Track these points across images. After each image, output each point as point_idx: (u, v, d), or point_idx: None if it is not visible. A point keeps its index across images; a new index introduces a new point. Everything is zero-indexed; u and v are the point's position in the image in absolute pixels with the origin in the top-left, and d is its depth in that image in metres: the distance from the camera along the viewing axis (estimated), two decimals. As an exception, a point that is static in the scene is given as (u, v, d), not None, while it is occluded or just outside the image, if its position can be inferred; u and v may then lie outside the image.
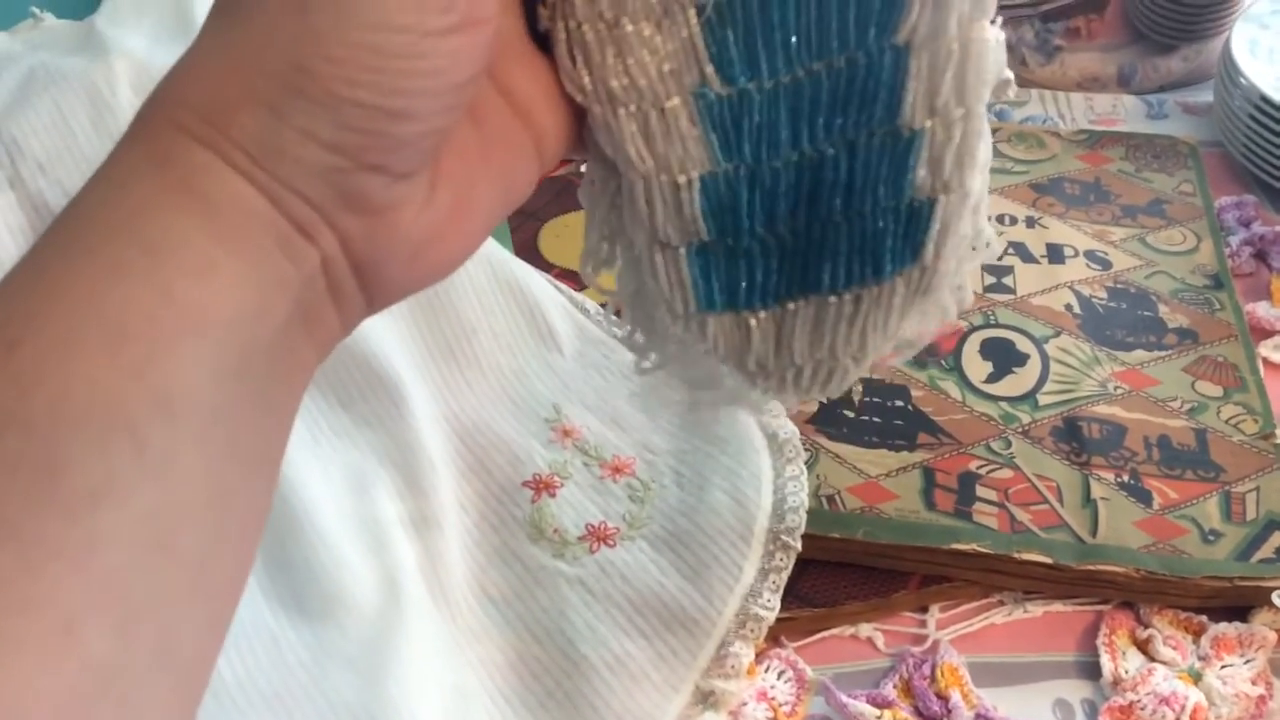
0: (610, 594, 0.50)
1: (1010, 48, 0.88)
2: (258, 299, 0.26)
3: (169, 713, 0.25)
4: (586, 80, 0.30)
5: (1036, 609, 0.53)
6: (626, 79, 0.29)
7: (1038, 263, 0.67)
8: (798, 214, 0.31)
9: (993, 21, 0.29)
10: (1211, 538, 0.52)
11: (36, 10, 0.70)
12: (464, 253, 0.30)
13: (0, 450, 0.22)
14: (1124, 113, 0.85)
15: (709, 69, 0.29)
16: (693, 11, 0.29)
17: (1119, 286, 0.65)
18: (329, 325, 0.28)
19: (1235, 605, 0.52)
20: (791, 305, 0.33)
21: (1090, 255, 0.67)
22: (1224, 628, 0.51)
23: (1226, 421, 0.57)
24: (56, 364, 0.23)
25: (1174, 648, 0.50)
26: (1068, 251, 0.68)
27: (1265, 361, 0.63)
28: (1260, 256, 0.71)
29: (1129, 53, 0.86)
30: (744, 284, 0.32)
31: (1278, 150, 0.73)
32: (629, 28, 0.29)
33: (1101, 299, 0.64)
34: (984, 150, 0.30)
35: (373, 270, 0.28)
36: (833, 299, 0.32)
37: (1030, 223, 0.70)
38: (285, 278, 0.26)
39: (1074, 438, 0.56)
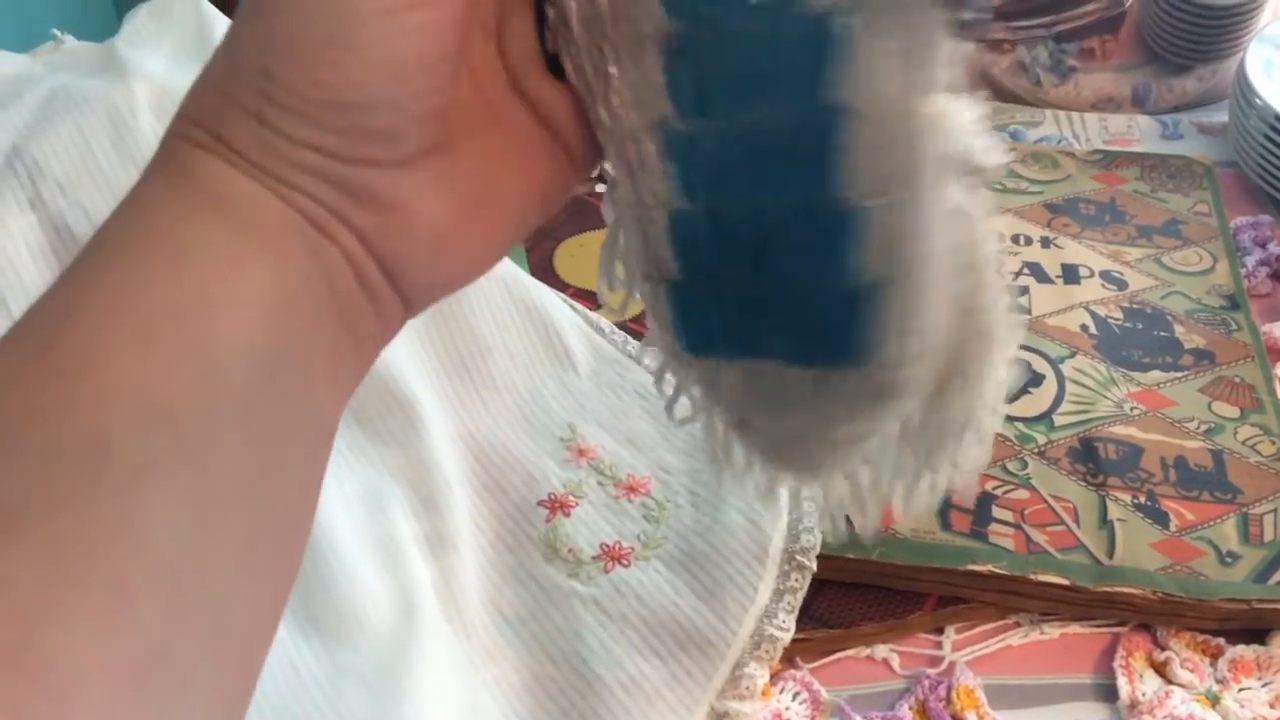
0: (625, 614, 0.50)
1: (1025, 68, 0.88)
2: (286, 290, 0.26)
3: (219, 696, 0.25)
4: (590, 106, 0.30)
5: (1053, 630, 0.53)
6: (609, 114, 0.30)
7: (1053, 283, 0.67)
8: (759, 268, 0.30)
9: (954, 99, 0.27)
10: (1229, 559, 0.52)
11: (58, 32, 0.71)
12: (493, 252, 0.30)
13: (46, 431, 0.23)
14: (1139, 133, 0.85)
15: (669, 105, 0.29)
16: (656, 46, 0.28)
17: (1135, 307, 0.65)
18: (367, 321, 0.29)
19: (1253, 628, 0.51)
20: (757, 365, 0.32)
21: (1106, 275, 0.67)
22: (1242, 650, 0.50)
23: (1243, 443, 0.57)
24: (94, 358, 0.24)
25: (1191, 670, 0.50)
26: (1083, 271, 0.68)
27: (1282, 382, 0.62)
28: (1277, 277, 0.70)
29: (1143, 73, 0.86)
30: (714, 330, 0.32)
31: (1294, 170, 0.73)
32: (610, 54, 0.29)
33: (1117, 319, 0.64)
34: (941, 232, 0.28)
35: (397, 266, 0.28)
36: (793, 370, 0.31)
37: (1045, 243, 0.70)
38: (309, 271, 0.27)
39: (1090, 458, 0.56)
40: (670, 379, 0.35)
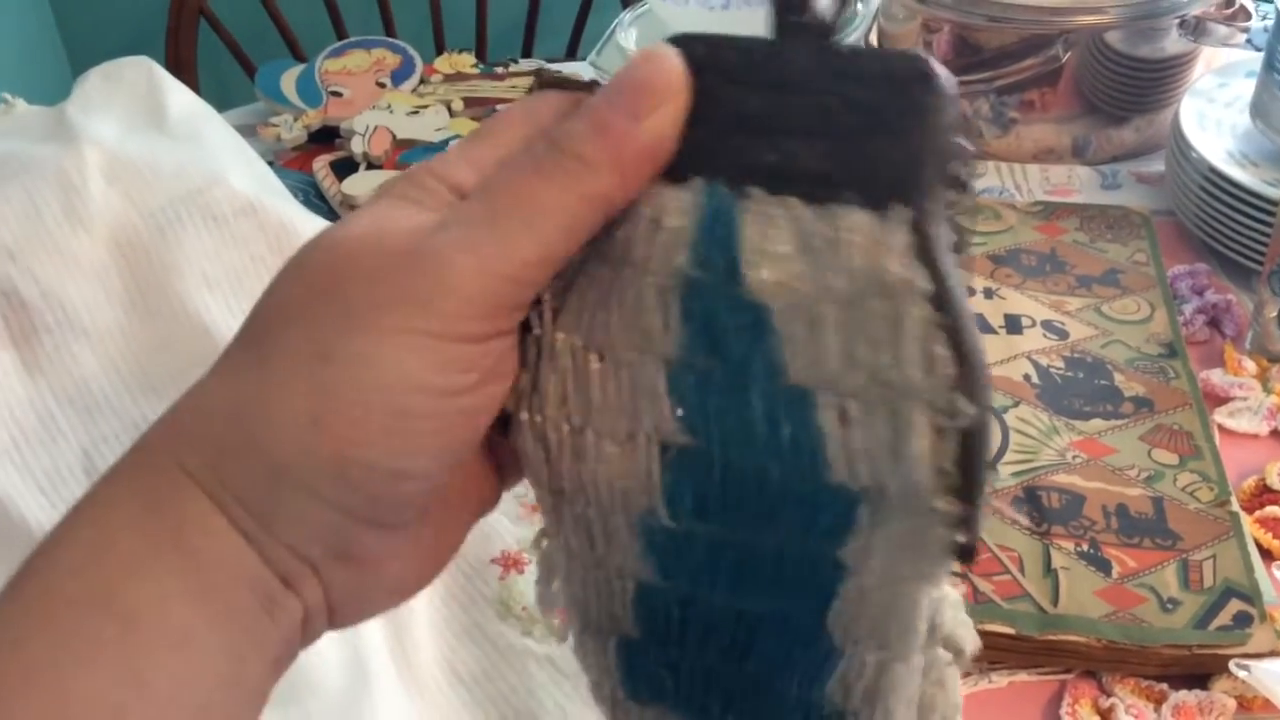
0: (579, 672, 0.51)
1: (966, 120, 0.90)
2: (233, 668, 0.25)
3: None
4: (544, 474, 0.29)
5: (1001, 679, 0.53)
6: (578, 484, 0.28)
7: (996, 333, 0.68)
8: (731, 658, 0.30)
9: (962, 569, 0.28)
10: (1170, 606, 0.53)
11: (8, 96, 0.71)
12: (428, 579, 0.30)
13: None
14: (1079, 183, 0.87)
15: (660, 504, 0.28)
16: (657, 448, 0.27)
17: (1076, 356, 0.67)
18: (293, 643, 0.28)
19: (1195, 673, 0.52)
20: None
21: (1047, 325, 0.69)
22: (1185, 696, 0.51)
23: (1183, 489, 0.58)
24: None
25: (1136, 716, 0.50)
26: (1025, 322, 0.69)
27: (1220, 429, 0.64)
28: (1214, 324, 0.72)
29: (1082, 124, 0.89)
30: (664, 689, 0.31)
31: (1229, 219, 0.75)
32: (591, 439, 0.28)
33: (1059, 369, 0.66)
34: (907, 691, 0.29)
35: (346, 607, 0.28)
36: None
37: (988, 294, 0.71)
38: (265, 639, 0.26)
39: (1034, 507, 0.57)
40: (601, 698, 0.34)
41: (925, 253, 0.25)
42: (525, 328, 0.28)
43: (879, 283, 0.25)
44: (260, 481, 0.25)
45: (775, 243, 0.26)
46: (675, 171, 0.27)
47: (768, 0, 0.27)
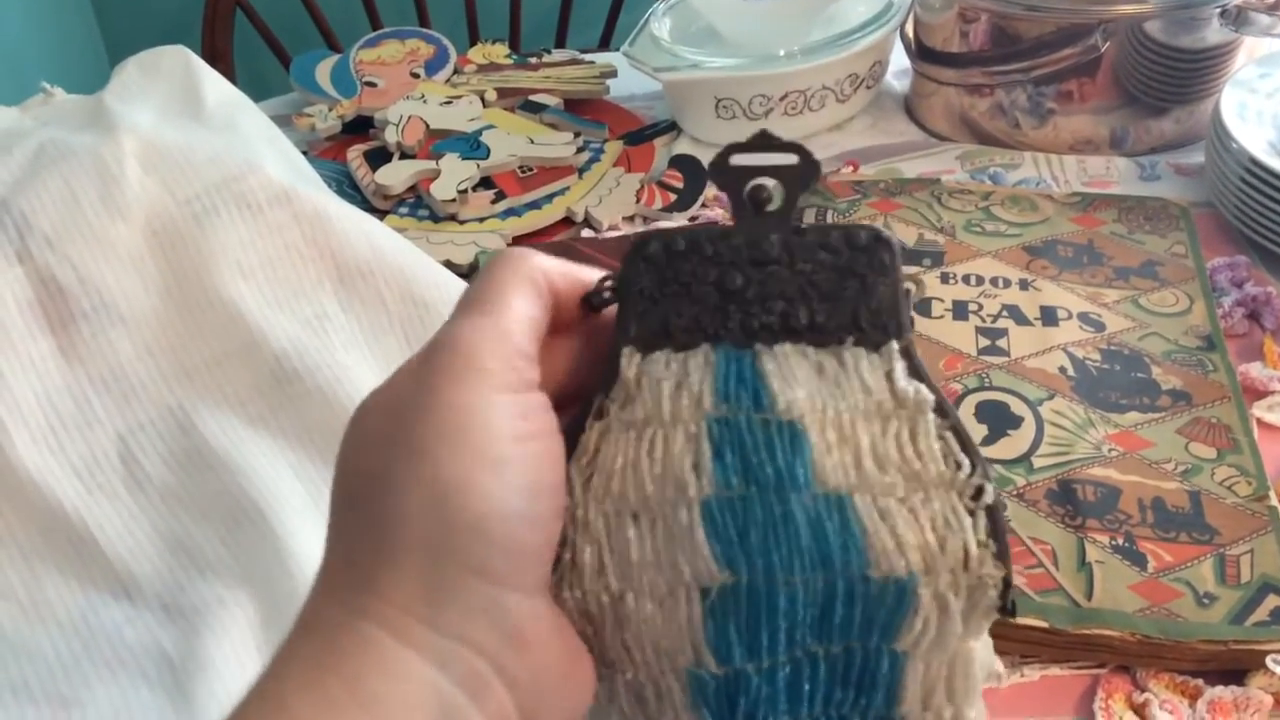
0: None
1: (1004, 110, 0.89)
2: None
3: None
4: (592, 644, 0.31)
5: (1034, 673, 0.53)
6: (623, 652, 0.30)
7: (1032, 325, 0.68)
8: None
9: (998, 556, 0.30)
10: (1206, 601, 0.52)
11: (47, 85, 0.72)
12: (590, 687, 0.31)
13: None
14: (1117, 175, 0.86)
15: (706, 654, 0.30)
16: (697, 595, 0.29)
17: (1112, 348, 0.66)
18: None
19: (1231, 669, 0.52)
20: None
21: (1084, 317, 0.68)
22: (1220, 691, 0.51)
23: (1220, 484, 0.58)
24: None
25: (1170, 712, 0.50)
26: (1061, 314, 0.68)
27: (1259, 422, 0.63)
28: (1253, 317, 0.71)
29: (1121, 115, 0.88)
30: None
31: (1269, 211, 0.74)
32: (631, 602, 0.30)
33: (1095, 361, 0.65)
34: None
35: (535, 714, 0.29)
36: None
37: (1024, 285, 0.71)
38: None
39: (1069, 500, 0.57)
40: None
41: (919, 372, 0.31)
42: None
43: (892, 398, 0.31)
44: (420, 571, 0.27)
45: (795, 372, 0.31)
46: (683, 344, 0.32)
47: (730, 201, 0.32)
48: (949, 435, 0.30)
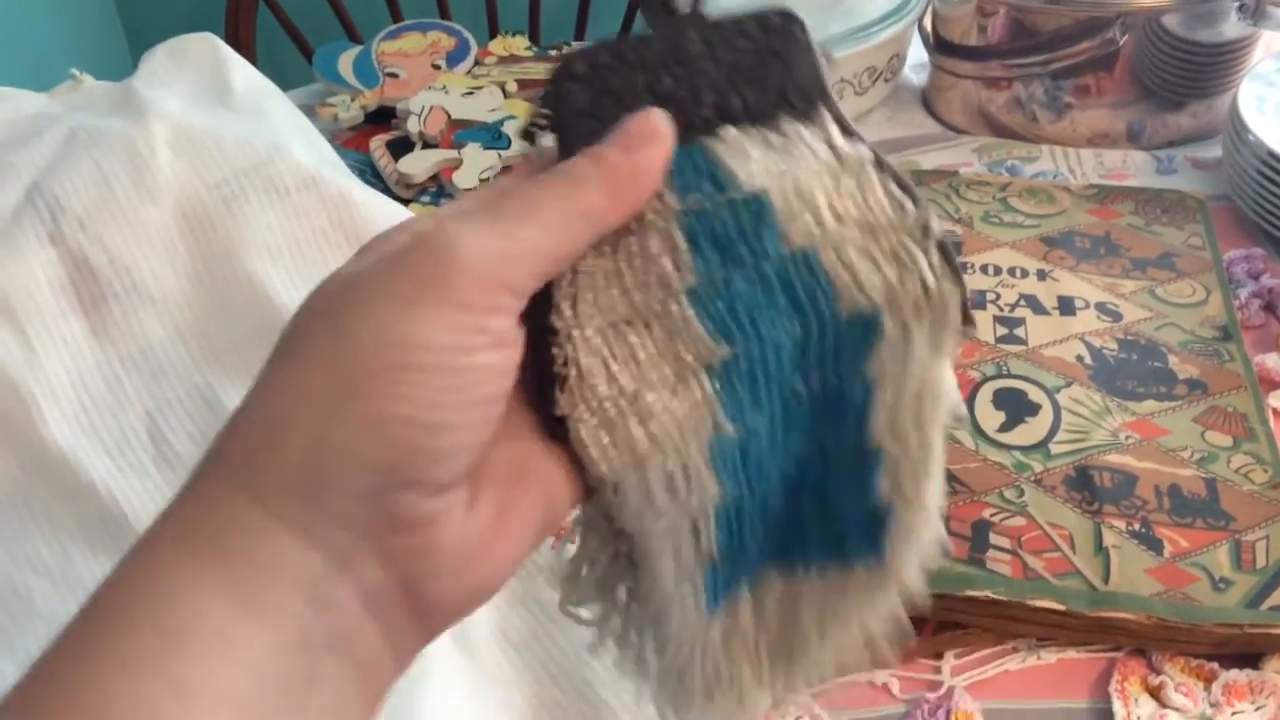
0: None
1: (1021, 104, 0.90)
2: (277, 666, 0.27)
3: None
4: (614, 454, 0.32)
5: (1050, 656, 0.54)
6: (652, 443, 0.32)
7: (1049, 315, 0.68)
8: (781, 512, 0.35)
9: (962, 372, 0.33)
10: (1222, 585, 0.53)
11: (76, 72, 0.73)
12: (510, 566, 0.31)
13: None
14: (1134, 168, 0.86)
15: (723, 420, 0.32)
16: (704, 375, 0.31)
17: (1129, 338, 0.66)
18: (380, 663, 0.29)
19: (1246, 652, 0.52)
20: (769, 585, 0.36)
21: (1101, 307, 0.69)
22: (1235, 675, 0.51)
23: (1236, 471, 0.58)
24: None
25: (1186, 694, 0.50)
26: (1079, 303, 0.69)
27: (1275, 412, 0.63)
28: (1269, 308, 0.72)
29: (1138, 109, 0.88)
30: (737, 574, 0.35)
31: (1286, 204, 0.74)
32: (650, 397, 0.31)
33: (1112, 350, 0.66)
34: (937, 466, 0.35)
35: (420, 590, 0.29)
36: (801, 573, 0.36)
37: (1042, 275, 0.71)
38: (310, 636, 0.27)
39: (1086, 486, 0.57)
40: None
41: (851, 132, 0.34)
42: (550, 330, 0.31)
43: (836, 159, 0.33)
44: (300, 460, 0.27)
45: (746, 150, 0.33)
46: None
47: (644, 9, 0.34)
48: (890, 183, 0.33)
